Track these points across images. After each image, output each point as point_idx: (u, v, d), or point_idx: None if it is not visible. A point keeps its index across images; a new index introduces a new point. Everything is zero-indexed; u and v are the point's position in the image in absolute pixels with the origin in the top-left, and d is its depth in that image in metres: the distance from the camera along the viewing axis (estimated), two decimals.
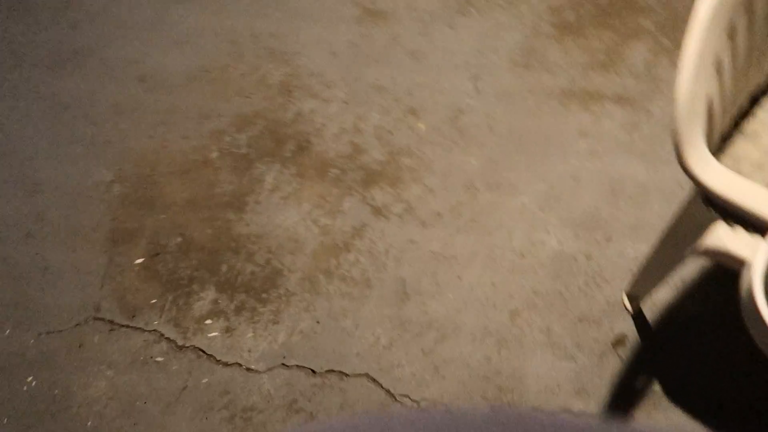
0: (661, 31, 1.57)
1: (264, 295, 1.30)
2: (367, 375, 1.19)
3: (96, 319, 1.29)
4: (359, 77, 1.62)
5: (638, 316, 1.21)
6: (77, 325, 1.28)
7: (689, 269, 1.25)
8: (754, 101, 0.95)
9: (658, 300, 1.22)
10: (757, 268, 0.61)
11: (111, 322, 1.29)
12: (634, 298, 1.20)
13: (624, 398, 1.14)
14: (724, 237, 0.90)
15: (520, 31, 1.64)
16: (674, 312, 1.21)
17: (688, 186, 1.01)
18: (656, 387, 1.14)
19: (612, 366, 1.17)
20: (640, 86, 1.49)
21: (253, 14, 1.81)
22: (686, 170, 0.74)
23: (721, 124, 0.89)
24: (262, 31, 1.78)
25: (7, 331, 1.28)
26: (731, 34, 0.80)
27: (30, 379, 1.23)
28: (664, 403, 1.12)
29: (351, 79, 1.63)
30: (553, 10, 1.66)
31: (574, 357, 1.18)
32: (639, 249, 1.28)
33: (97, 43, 1.80)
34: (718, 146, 0.93)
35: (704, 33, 0.72)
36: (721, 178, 0.72)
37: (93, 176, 1.53)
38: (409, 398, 1.16)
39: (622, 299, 1.23)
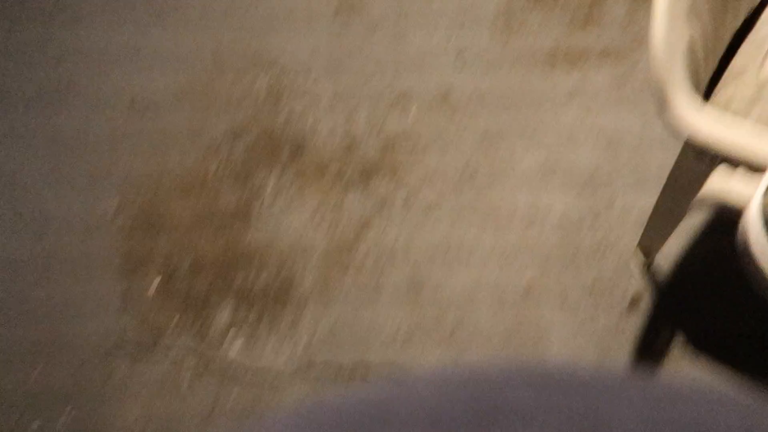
0: None
1: (282, 299, 1.31)
2: (393, 363, 1.20)
3: (122, 345, 1.32)
4: (345, 69, 1.62)
5: (653, 270, 1.21)
6: (105, 354, 1.31)
7: (699, 217, 1.24)
8: (738, 39, 0.94)
9: (670, 251, 1.22)
10: (754, 209, 0.60)
11: (138, 345, 1.31)
12: (647, 252, 1.19)
13: (649, 354, 1.14)
14: (724, 182, 0.89)
15: None
16: (688, 261, 1.21)
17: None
18: (680, 337, 1.14)
19: (633, 323, 1.17)
20: (625, 38, 1.48)
21: (230, 24, 1.81)
22: (673, 119, 0.73)
23: (708, 67, 0.88)
24: (242, 39, 1.78)
25: (39, 368, 1.31)
26: None
27: (68, 409, 1.26)
28: (690, 352, 1.12)
29: (337, 72, 1.63)
30: None
31: (595, 319, 1.18)
32: (645, 202, 1.27)
33: (83, 75, 1.81)
34: (706, 93, 0.92)
35: None
36: (713, 121, 0.72)
37: (98, 207, 1.55)
38: None
39: (635, 254, 1.22)
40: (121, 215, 1.52)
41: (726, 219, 1.24)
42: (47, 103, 1.76)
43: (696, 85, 0.87)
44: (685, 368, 1.11)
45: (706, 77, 0.89)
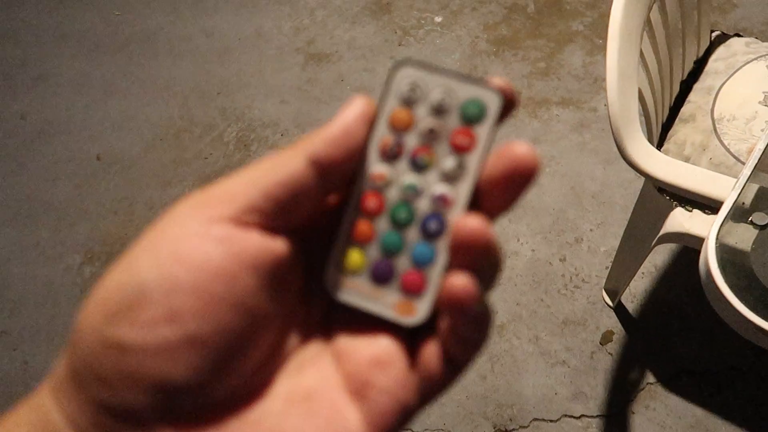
0: (592, 32, 1.63)
1: None
2: None
3: None
4: (312, 121, 1.65)
5: (620, 310, 1.23)
6: None
7: (662, 255, 1.28)
8: (686, 87, 0.99)
9: (636, 290, 1.24)
10: (711, 244, 0.63)
11: None
12: (613, 292, 1.22)
13: (621, 394, 1.15)
14: (682, 221, 0.93)
15: (460, 52, 1.68)
16: (654, 299, 1.24)
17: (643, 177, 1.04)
18: (650, 376, 1.15)
19: (604, 363, 1.18)
20: (582, 86, 1.54)
21: (198, 74, 1.83)
22: (631, 164, 0.77)
23: (658, 113, 0.92)
24: (210, 89, 1.80)
25: None
26: (650, 31, 0.84)
27: None
28: (660, 391, 1.13)
29: (304, 123, 1.65)
30: (487, 27, 1.71)
31: (566, 361, 1.19)
32: (609, 244, 1.31)
33: (50, 129, 1.80)
34: (661, 135, 0.96)
35: (624, 34, 0.75)
36: (664, 167, 0.75)
37: (63, 262, 1.52)
38: (411, 430, 1.15)
39: (602, 295, 1.24)
40: (86, 269, 1.48)
41: (687, 255, 1.28)
42: (12, 158, 1.73)
43: (649, 130, 0.91)
44: (656, 407, 1.12)
45: (659, 123, 0.93)
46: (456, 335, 0.21)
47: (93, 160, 1.73)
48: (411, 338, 0.22)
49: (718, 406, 1.11)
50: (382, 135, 0.22)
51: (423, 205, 0.22)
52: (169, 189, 1.60)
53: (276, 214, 0.21)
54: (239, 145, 1.65)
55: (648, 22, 0.82)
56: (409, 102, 0.22)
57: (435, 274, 0.22)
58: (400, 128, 0.22)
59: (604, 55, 0.77)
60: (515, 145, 0.21)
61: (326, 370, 0.22)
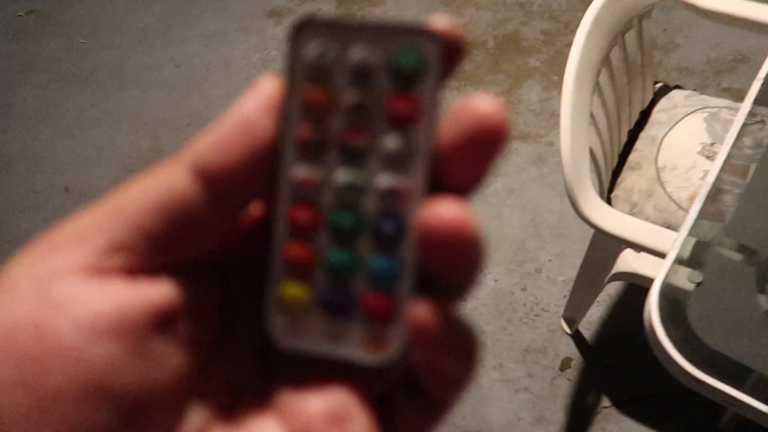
0: (549, 68, 1.72)
1: None
2: None
3: None
4: None
5: (578, 337, 1.31)
6: None
7: (616, 286, 1.36)
8: (633, 136, 1.08)
9: (593, 318, 1.32)
10: (653, 300, 0.70)
11: None
12: (571, 320, 1.29)
13: (579, 418, 1.23)
14: (631, 261, 1.01)
15: None
16: (609, 327, 1.32)
17: None
18: (605, 401, 1.23)
19: (564, 389, 1.25)
20: (540, 121, 1.63)
21: (168, 105, 1.86)
22: (583, 218, 0.84)
23: (608, 162, 1.00)
24: (180, 120, 1.82)
25: None
26: (599, 92, 0.92)
27: None
28: (615, 414, 1.21)
29: None
30: None
31: (528, 387, 1.26)
32: (567, 274, 1.39)
33: (15, 160, 1.79)
34: (612, 181, 1.04)
35: (575, 100, 0.82)
36: (611, 221, 0.83)
37: None
38: None
39: (561, 324, 1.32)
40: None
41: (640, 287, 1.37)
42: None
43: (600, 179, 0.99)
44: (612, 427, 1.20)
45: (608, 171, 1.01)
46: (432, 371, 0.17)
47: (61, 191, 1.73)
48: (376, 379, 0.18)
49: (670, 429, 1.19)
50: (296, 125, 0.17)
51: (370, 205, 0.17)
52: None
53: (152, 250, 0.16)
54: None
55: (597, 84, 0.90)
56: (322, 74, 0.17)
57: (403, 290, 0.17)
58: (318, 111, 0.17)
59: (560, 92, 0.84)
60: (475, 100, 0.16)
61: None
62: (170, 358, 0.16)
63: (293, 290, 0.17)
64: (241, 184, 0.16)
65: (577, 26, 0.86)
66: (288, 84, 0.17)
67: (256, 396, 0.18)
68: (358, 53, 0.17)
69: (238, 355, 0.18)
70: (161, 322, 0.16)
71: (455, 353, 0.17)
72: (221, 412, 0.17)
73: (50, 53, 2.04)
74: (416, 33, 0.16)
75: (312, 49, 0.17)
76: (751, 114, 0.80)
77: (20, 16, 2.16)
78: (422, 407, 0.18)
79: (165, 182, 0.16)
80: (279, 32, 1.98)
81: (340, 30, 0.17)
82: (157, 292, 0.16)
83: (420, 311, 0.16)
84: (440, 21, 0.16)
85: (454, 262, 0.16)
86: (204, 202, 0.16)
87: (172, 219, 0.16)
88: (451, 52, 0.16)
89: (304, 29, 0.17)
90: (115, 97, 1.90)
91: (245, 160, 0.16)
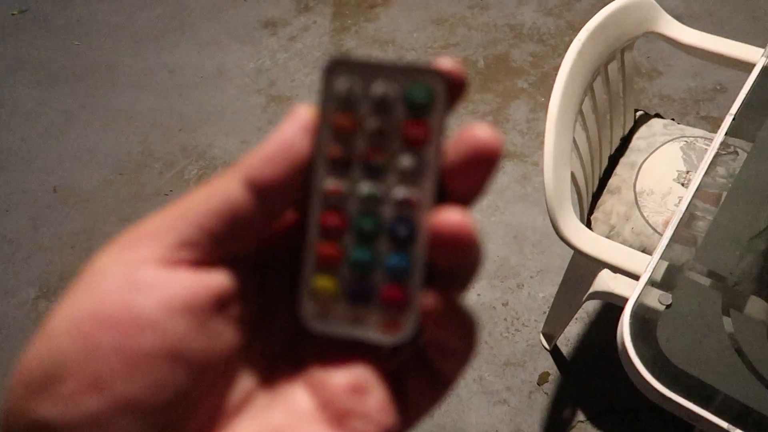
0: (536, 90, 1.77)
1: None
2: None
3: None
4: None
5: (556, 353, 1.34)
6: None
7: (594, 304, 1.40)
8: (614, 161, 1.12)
9: (570, 334, 1.36)
10: (626, 320, 0.74)
11: None
12: (550, 336, 1.33)
13: (556, 428, 1.26)
14: (608, 281, 1.05)
15: None
16: (586, 343, 1.36)
17: None
18: (580, 415, 1.27)
19: (540, 403, 1.29)
20: (526, 141, 1.67)
21: (159, 109, 1.87)
22: (562, 239, 0.88)
23: (588, 186, 1.04)
24: (171, 125, 1.84)
25: None
26: (582, 120, 0.96)
27: None
28: (589, 428, 1.25)
29: None
30: None
31: (507, 400, 1.29)
32: (547, 290, 1.43)
33: (7, 160, 1.80)
34: (592, 203, 1.08)
35: (559, 127, 0.86)
36: (590, 243, 0.87)
37: (16, 296, 1.52)
38: None
39: (540, 339, 1.36)
40: (41, 303, 1.49)
41: (619, 307, 1.41)
42: None
43: (581, 202, 1.03)
44: None
45: (589, 194, 1.05)
46: (439, 349, 0.20)
47: (49, 192, 1.74)
48: (391, 357, 0.21)
49: None
50: (328, 145, 0.21)
51: (387, 212, 0.20)
52: (128, 224, 1.62)
53: (212, 246, 0.19)
54: (200, 183, 1.69)
55: (580, 113, 0.94)
56: (349, 103, 0.21)
57: (415, 282, 0.20)
58: (345, 134, 0.21)
59: (546, 113, 0.88)
60: (476, 127, 0.20)
61: (299, 402, 0.20)
62: (225, 334, 0.20)
63: (323, 282, 0.21)
64: (282, 193, 0.20)
65: (564, 50, 0.90)
66: (321, 111, 0.21)
67: (290, 370, 0.21)
68: (379, 87, 0.20)
69: (275, 335, 0.22)
70: (219, 304, 0.19)
71: (458, 333, 0.20)
72: (262, 381, 0.21)
73: (43, 53, 2.05)
74: (426, 71, 0.20)
75: (341, 83, 0.21)
76: (725, 144, 0.85)
77: (13, 14, 2.17)
78: (430, 382, 0.21)
79: (223, 191, 0.20)
80: (273, 42, 2.01)
81: (365, 68, 0.21)
82: (215, 280, 0.19)
83: (429, 299, 0.20)
84: (446, 62, 0.20)
85: (457, 259, 0.20)
86: (253, 207, 0.20)
87: (228, 221, 0.19)
88: (454, 87, 0.20)
89: (335, 67, 0.21)
90: (107, 100, 1.91)
91: (286, 174, 0.20)
